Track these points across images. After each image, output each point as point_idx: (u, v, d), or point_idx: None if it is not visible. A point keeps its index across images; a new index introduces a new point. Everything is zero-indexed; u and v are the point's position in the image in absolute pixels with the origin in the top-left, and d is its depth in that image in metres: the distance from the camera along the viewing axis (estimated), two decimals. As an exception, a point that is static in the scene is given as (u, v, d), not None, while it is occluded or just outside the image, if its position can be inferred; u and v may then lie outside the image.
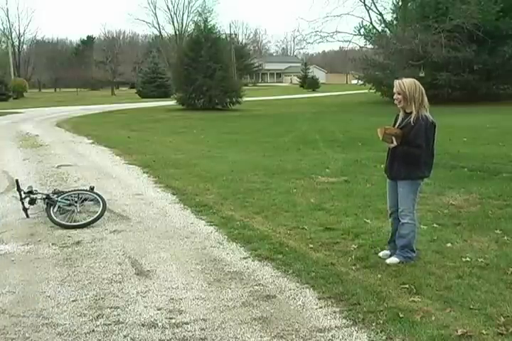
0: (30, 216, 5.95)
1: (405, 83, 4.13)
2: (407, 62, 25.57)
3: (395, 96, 4.20)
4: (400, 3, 27.69)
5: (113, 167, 9.72)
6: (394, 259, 4.29)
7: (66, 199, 5.99)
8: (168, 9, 76.49)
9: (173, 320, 3.39)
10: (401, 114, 4.27)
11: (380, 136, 4.22)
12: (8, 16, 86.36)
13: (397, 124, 4.27)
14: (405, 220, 4.27)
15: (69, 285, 4.00)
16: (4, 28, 71.27)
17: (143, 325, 3.33)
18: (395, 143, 4.18)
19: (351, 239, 4.96)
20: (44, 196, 5.97)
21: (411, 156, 4.18)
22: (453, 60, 25.87)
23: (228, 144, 12.93)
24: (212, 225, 5.59)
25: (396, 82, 4.18)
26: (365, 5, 26.45)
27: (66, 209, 5.93)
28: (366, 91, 35.63)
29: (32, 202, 5.97)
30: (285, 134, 14.96)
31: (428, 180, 7.72)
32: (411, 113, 4.13)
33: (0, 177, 8.57)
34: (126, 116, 24.57)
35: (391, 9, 31.36)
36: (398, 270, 4.11)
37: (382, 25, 29.17)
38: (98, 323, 3.37)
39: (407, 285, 3.78)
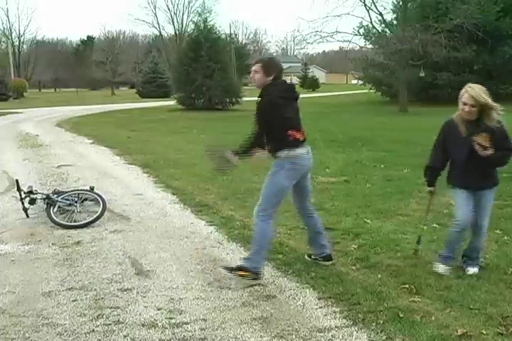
0: (30, 216, 5.95)
1: (482, 94, 3.76)
2: (407, 62, 25.58)
3: (467, 109, 3.79)
4: (400, 3, 27.67)
5: (113, 167, 9.72)
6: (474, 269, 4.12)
7: (66, 199, 5.99)
8: (168, 9, 76.54)
9: (173, 320, 3.39)
10: (463, 122, 3.91)
11: (486, 144, 3.83)
12: (8, 16, 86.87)
13: (466, 133, 3.90)
14: (485, 231, 4.11)
15: (69, 285, 4.00)
16: (4, 28, 71.40)
17: (143, 325, 3.33)
18: (490, 150, 3.84)
19: (351, 239, 4.96)
20: (44, 196, 5.97)
21: (505, 161, 3.94)
22: (453, 60, 25.87)
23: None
24: (212, 225, 5.60)
25: (472, 94, 3.77)
26: (365, 5, 26.48)
27: (66, 209, 5.93)
28: (366, 91, 35.68)
29: (32, 202, 5.97)
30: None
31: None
32: (477, 120, 3.83)
33: (0, 177, 8.57)
34: (126, 116, 24.58)
35: (391, 9, 31.43)
36: (398, 270, 4.11)
37: (382, 25, 29.18)
38: (98, 323, 3.37)
39: (407, 285, 3.78)
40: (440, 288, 3.74)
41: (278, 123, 3.85)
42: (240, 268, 3.92)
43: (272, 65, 3.93)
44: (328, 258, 4.28)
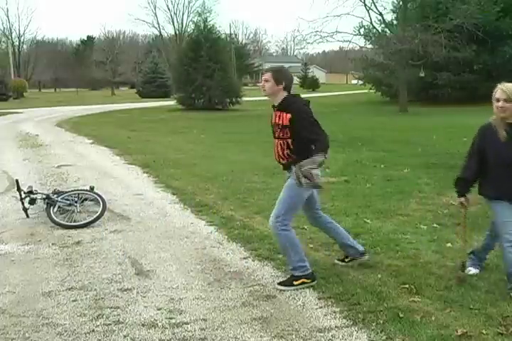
0: (30, 216, 5.95)
1: None
2: (407, 62, 25.57)
3: (500, 104, 3.53)
4: (400, 3, 27.66)
5: (113, 167, 9.72)
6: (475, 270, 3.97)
7: (66, 199, 5.99)
8: (168, 9, 76.66)
9: (173, 320, 3.39)
10: (501, 126, 3.60)
11: None
12: (8, 16, 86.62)
13: (505, 138, 3.59)
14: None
15: (69, 285, 4.00)
16: (4, 28, 71.27)
17: (143, 325, 3.33)
18: None
19: (351, 239, 4.95)
20: (44, 196, 5.97)
21: None
22: (453, 60, 25.85)
23: (228, 144, 12.94)
24: (212, 225, 5.60)
25: (504, 88, 3.54)
26: (365, 5, 26.45)
27: (66, 209, 5.93)
28: (366, 91, 35.68)
29: (32, 202, 5.97)
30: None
31: (428, 179, 7.77)
32: None
33: (0, 177, 8.57)
34: (126, 116, 24.58)
35: (391, 9, 31.42)
36: (398, 270, 4.11)
37: (382, 25, 29.16)
38: (98, 323, 3.37)
39: (407, 285, 3.78)
40: (440, 288, 3.74)
41: (315, 124, 3.84)
42: (295, 279, 3.90)
43: (282, 74, 3.96)
44: (364, 252, 4.26)
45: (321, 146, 3.72)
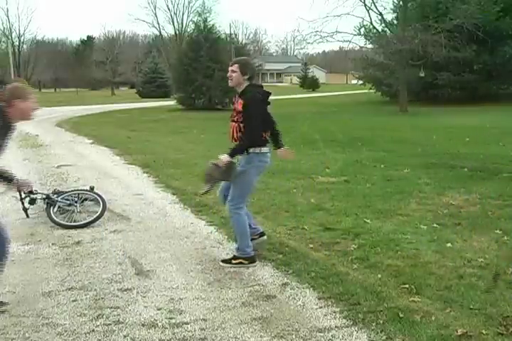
0: (30, 216, 5.95)
1: None
2: (407, 62, 25.58)
3: None
4: (400, 3, 27.66)
5: (113, 167, 9.72)
6: None
7: (66, 199, 5.99)
8: (168, 9, 76.86)
9: (173, 320, 3.39)
10: None
11: None
12: (8, 16, 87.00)
13: None
14: None
15: (69, 285, 4.00)
16: (4, 28, 71.34)
17: (143, 325, 3.33)
18: None
19: (351, 239, 4.96)
20: (44, 196, 5.97)
21: None
22: (453, 60, 25.86)
23: (228, 144, 12.91)
24: (212, 225, 5.60)
25: None
26: (365, 5, 26.48)
27: (66, 209, 5.93)
28: (366, 91, 35.68)
29: (32, 202, 5.97)
30: (285, 134, 14.89)
31: (428, 179, 7.78)
32: None
33: (0, 177, 8.57)
34: (126, 116, 24.58)
35: (391, 9, 31.43)
36: (398, 270, 4.11)
37: (382, 25, 29.18)
38: (98, 323, 3.37)
39: (407, 285, 3.78)
40: (440, 288, 3.74)
41: (259, 119, 4.22)
42: (235, 258, 4.39)
43: (247, 66, 4.32)
44: (263, 234, 4.67)
45: (245, 142, 4.26)
